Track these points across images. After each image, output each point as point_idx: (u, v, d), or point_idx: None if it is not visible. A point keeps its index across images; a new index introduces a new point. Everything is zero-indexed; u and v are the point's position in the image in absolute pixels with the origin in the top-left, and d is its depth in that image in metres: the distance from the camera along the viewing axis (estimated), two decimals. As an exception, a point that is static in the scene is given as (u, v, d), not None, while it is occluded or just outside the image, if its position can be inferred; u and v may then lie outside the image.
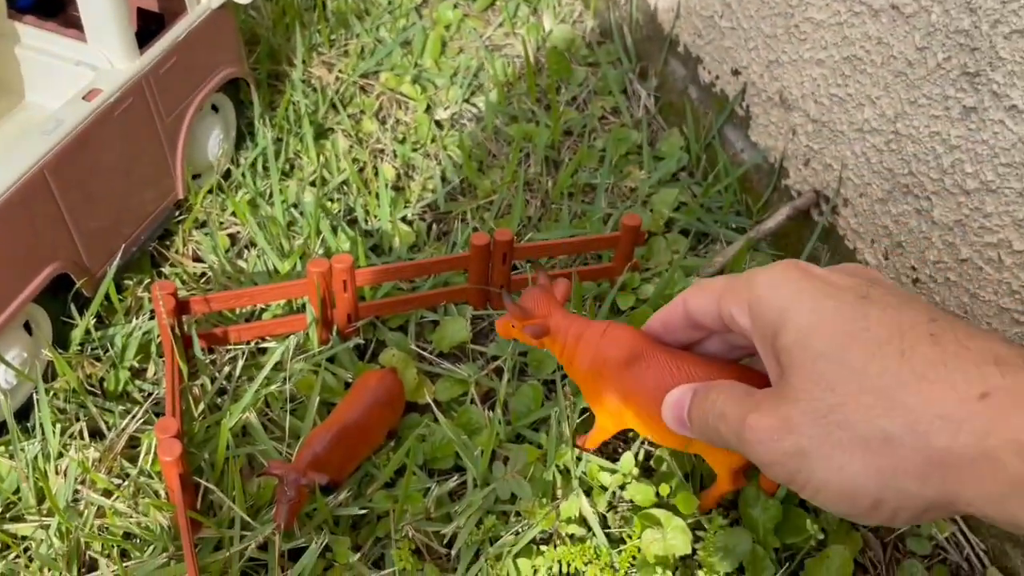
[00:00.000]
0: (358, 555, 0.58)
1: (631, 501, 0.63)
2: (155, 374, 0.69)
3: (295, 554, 0.59)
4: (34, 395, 0.63)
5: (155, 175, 0.73)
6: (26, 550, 0.57)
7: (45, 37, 0.69)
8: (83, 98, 0.64)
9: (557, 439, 0.64)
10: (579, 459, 0.64)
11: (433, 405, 0.67)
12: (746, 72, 0.83)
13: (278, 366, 0.70)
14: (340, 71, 0.98)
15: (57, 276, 0.64)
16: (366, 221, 0.84)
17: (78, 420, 0.64)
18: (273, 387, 0.66)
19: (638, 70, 1.02)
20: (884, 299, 0.36)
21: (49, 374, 0.67)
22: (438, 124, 0.96)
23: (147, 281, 0.74)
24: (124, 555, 0.58)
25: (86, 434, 0.62)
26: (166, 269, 0.76)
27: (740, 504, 0.62)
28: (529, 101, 0.98)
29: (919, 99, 0.63)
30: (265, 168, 0.86)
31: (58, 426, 0.61)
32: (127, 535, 0.59)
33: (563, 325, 0.61)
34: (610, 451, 0.66)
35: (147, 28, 0.74)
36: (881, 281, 0.39)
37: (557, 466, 0.64)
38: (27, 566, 0.57)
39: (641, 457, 0.65)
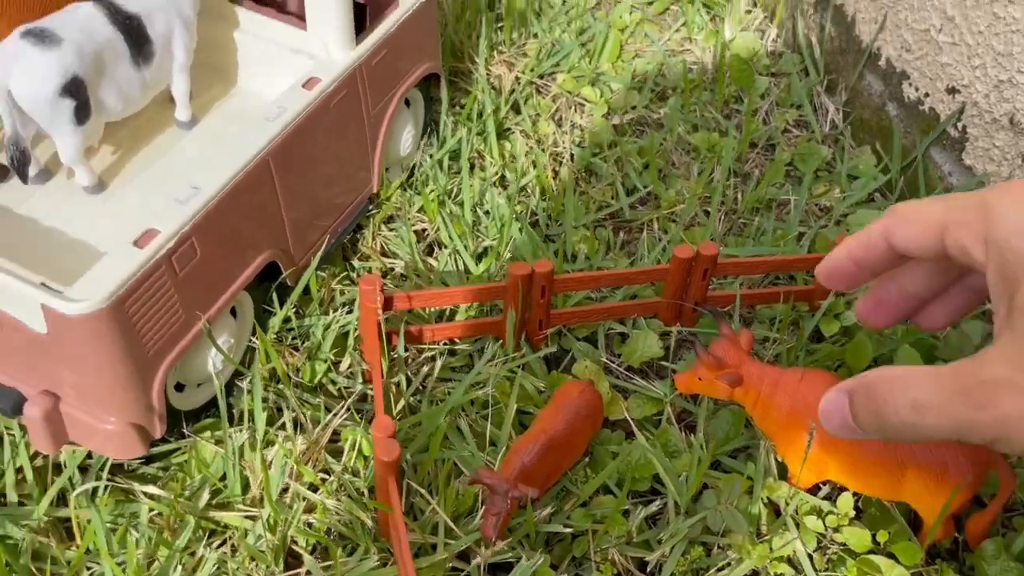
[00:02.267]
0: (553, 569, 0.56)
1: (844, 544, 0.59)
2: (350, 367, 0.68)
3: (494, 568, 0.57)
4: (242, 384, 0.63)
5: (356, 168, 0.72)
6: (230, 539, 0.57)
7: (261, 22, 0.69)
8: (303, 86, 0.64)
9: (765, 470, 0.61)
10: (790, 496, 0.60)
11: (632, 423, 0.64)
12: (966, 91, 0.78)
13: (468, 368, 0.68)
14: (520, 71, 0.97)
15: (267, 264, 0.63)
16: (547, 225, 0.82)
17: (279, 410, 0.63)
18: (476, 392, 0.64)
19: (825, 83, 0.97)
20: None
21: (246, 361, 0.67)
22: (616, 129, 0.93)
23: (341, 273, 0.74)
24: (325, 553, 0.57)
25: (289, 425, 0.62)
26: (356, 262, 0.76)
27: (976, 561, 0.57)
28: (714, 110, 0.94)
29: None
30: (451, 166, 0.84)
31: (265, 415, 0.61)
32: (328, 531, 0.58)
33: (756, 374, 0.58)
34: (827, 491, 0.62)
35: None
36: None
37: (763, 499, 0.61)
38: (232, 555, 0.56)
39: (857, 500, 0.61)
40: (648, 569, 0.58)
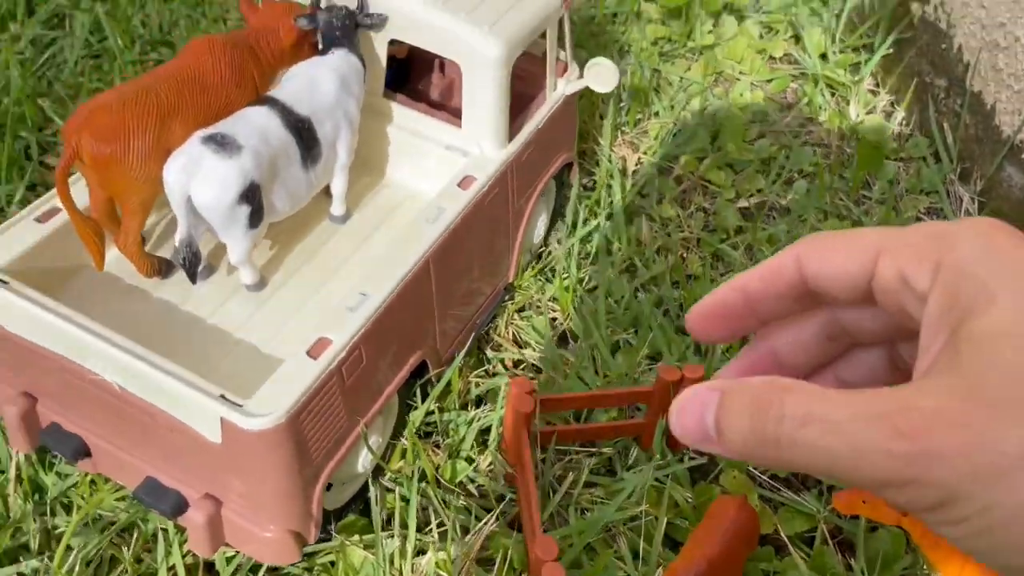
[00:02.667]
0: None
1: None
2: (490, 465, 0.67)
3: None
4: (399, 489, 0.62)
5: (498, 260, 0.72)
6: (381, 650, 0.56)
7: (414, 117, 0.69)
8: (458, 185, 0.64)
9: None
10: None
11: (786, 540, 0.62)
12: None
13: (610, 471, 0.67)
14: (643, 152, 0.96)
15: (419, 364, 0.63)
16: (678, 316, 0.80)
17: (423, 509, 0.62)
18: (628, 512, 0.62)
19: (959, 171, 0.95)
20: None
21: (386, 456, 0.66)
22: (743, 213, 0.91)
23: (476, 364, 0.73)
24: (477, 670, 0.55)
25: (435, 531, 0.61)
26: (489, 352, 0.75)
27: None
28: (845, 196, 0.92)
29: None
30: (579, 252, 0.83)
31: (414, 520, 0.60)
32: (478, 647, 0.56)
33: None
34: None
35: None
36: None
37: (931, 632, 0.57)
38: (385, 669, 0.55)
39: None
40: None
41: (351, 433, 0.56)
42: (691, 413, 0.29)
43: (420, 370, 0.65)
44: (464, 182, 0.64)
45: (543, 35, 0.68)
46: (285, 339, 0.59)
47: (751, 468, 0.68)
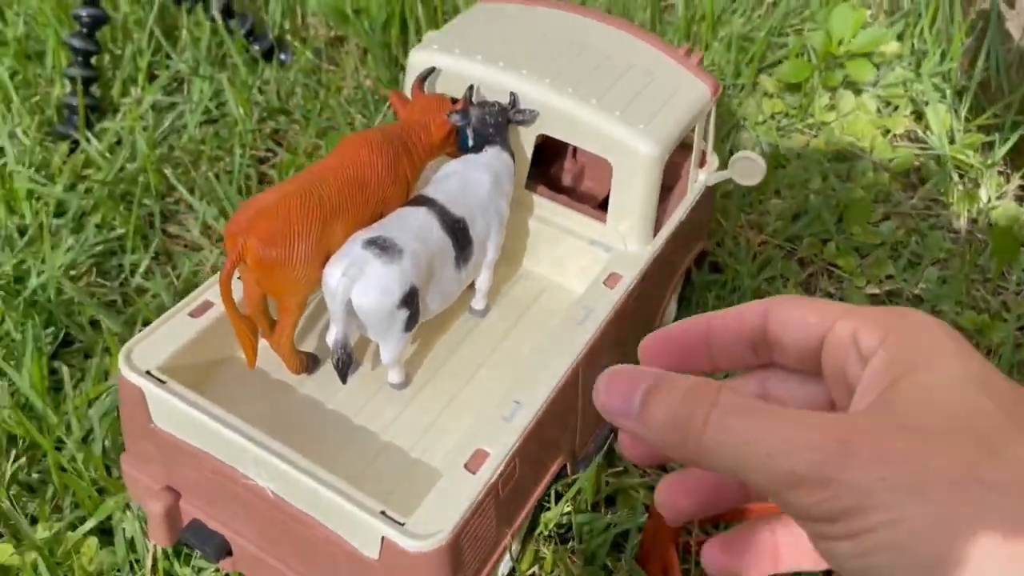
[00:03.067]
0: None
1: None
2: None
3: None
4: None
5: (634, 353, 0.70)
6: None
7: (555, 210, 0.68)
8: (604, 283, 0.62)
9: None
10: None
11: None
12: None
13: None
14: (767, 235, 0.93)
15: (561, 468, 0.61)
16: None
17: (562, 624, 0.60)
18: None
19: (1103, 263, 0.90)
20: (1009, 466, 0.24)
21: (519, 558, 0.64)
22: (873, 300, 0.88)
23: (609, 468, 0.70)
24: None
25: (578, 647, 0.58)
26: (617, 447, 0.72)
27: None
28: (982, 288, 0.88)
29: None
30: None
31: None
32: None
33: None
34: None
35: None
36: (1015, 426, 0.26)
37: None
38: None
39: None
40: None
41: (500, 545, 0.55)
42: (621, 385, 0.30)
43: (559, 472, 0.63)
44: (610, 280, 0.62)
45: (693, 130, 0.67)
46: (432, 442, 0.57)
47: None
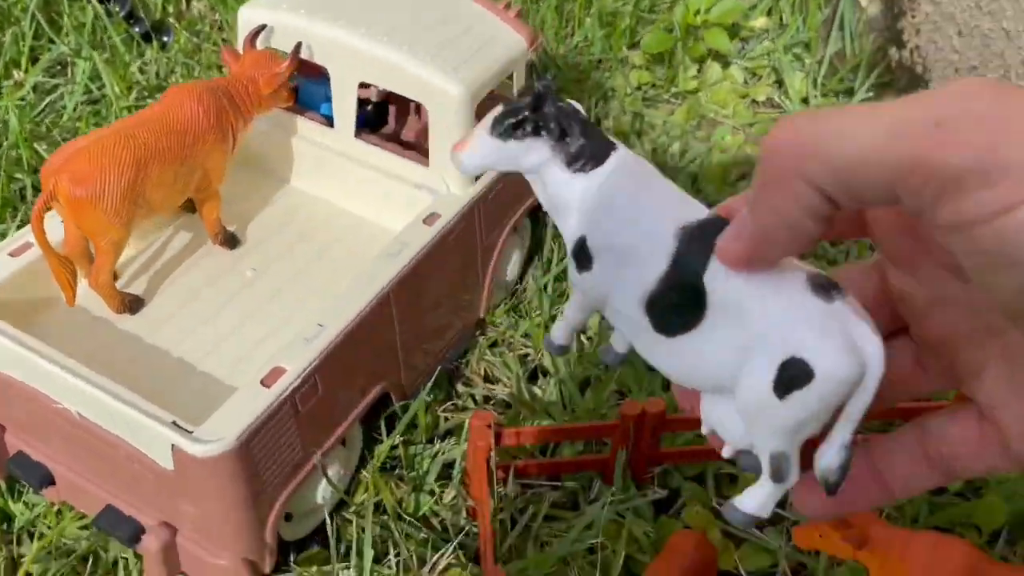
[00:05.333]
0: None
1: None
2: (454, 499, 0.67)
3: None
4: (351, 518, 0.62)
5: (466, 296, 0.73)
6: None
7: (385, 157, 0.71)
8: (424, 222, 0.65)
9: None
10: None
11: (742, 574, 0.62)
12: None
13: (573, 506, 0.67)
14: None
15: (381, 395, 0.64)
16: (652, 353, 0.81)
17: (383, 542, 0.63)
18: (588, 544, 0.62)
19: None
20: None
21: (351, 489, 0.66)
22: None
23: (445, 399, 0.74)
24: None
25: (394, 562, 0.61)
26: (460, 387, 0.76)
27: None
28: (827, 242, 0.93)
29: None
30: (555, 289, 0.85)
31: (371, 552, 0.60)
32: None
33: (884, 537, 0.56)
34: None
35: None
36: None
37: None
38: None
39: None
40: None
41: (307, 463, 0.57)
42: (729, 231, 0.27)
43: (385, 402, 0.66)
44: (429, 219, 0.66)
45: (510, 77, 0.70)
46: (246, 370, 0.60)
47: (713, 501, 0.67)
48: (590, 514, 0.65)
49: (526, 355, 0.80)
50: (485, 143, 0.31)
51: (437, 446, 0.69)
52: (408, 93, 0.66)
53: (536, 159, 0.30)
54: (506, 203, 0.74)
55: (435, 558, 0.61)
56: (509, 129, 0.30)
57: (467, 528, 0.65)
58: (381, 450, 0.68)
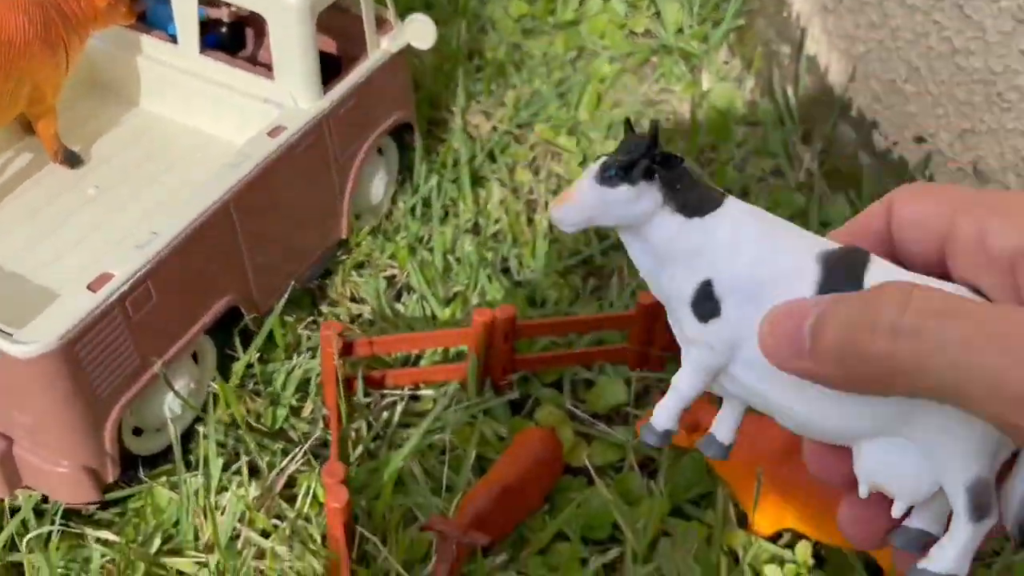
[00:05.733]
0: (513, 624, 0.55)
1: (805, 596, 0.58)
2: (312, 412, 0.68)
3: (447, 616, 0.56)
4: (201, 429, 0.63)
5: (323, 214, 0.73)
6: (182, 585, 0.57)
7: (230, 73, 0.71)
8: (268, 134, 0.65)
9: (724, 519, 0.60)
10: (748, 545, 0.59)
11: (591, 469, 0.64)
12: (932, 140, 0.79)
13: (430, 412, 0.68)
14: (498, 120, 0.98)
15: (228, 309, 0.64)
16: (519, 272, 0.82)
17: (237, 455, 0.63)
18: (435, 437, 0.64)
19: (801, 132, 0.98)
20: None
21: (209, 406, 0.67)
22: (592, 177, 0.94)
23: (308, 319, 0.74)
24: (276, 600, 0.56)
25: (245, 471, 0.62)
26: (325, 308, 0.76)
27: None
28: (688, 158, 0.95)
29: None
30: (424, 213, 0.85)
31: (220, 460, 0.61)
32: (280, 578, 0.57)
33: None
34: (787, 539, 0.61)
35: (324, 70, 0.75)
36: None
37: (723, 548, 0.60)
38: (182, 601, 0.56)
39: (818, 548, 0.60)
40: (603, 619, 0.57)
41: (146, 372, 0.57)
42: (784, 322, 0.25)
43: (238, 318, 0.66)
44: (274, 132, 0.65)
45: (357, -8, 0.70)
46: (65, 271, 0.60)
47: (568, 404, 0.70)
48: (444, 417, 0.66)
49: (393, 276, 0.80)
50: (590, 193, 0.28)
51: (294, 361, 0.69)
52: (248, 5, 0.66)
53: (648, 206, 0.28)
54: (361, 121, 0.74)
55: (284, 463, 0.62)
56: (620, 174, 0.27)
57: (323, 437, 0.66)
58: (239, 366, 0.68)
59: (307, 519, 0.60)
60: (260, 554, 0.58)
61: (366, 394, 0.69)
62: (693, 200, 0.28)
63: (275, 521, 0.60)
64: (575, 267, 0.83)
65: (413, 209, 0.85)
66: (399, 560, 0.56)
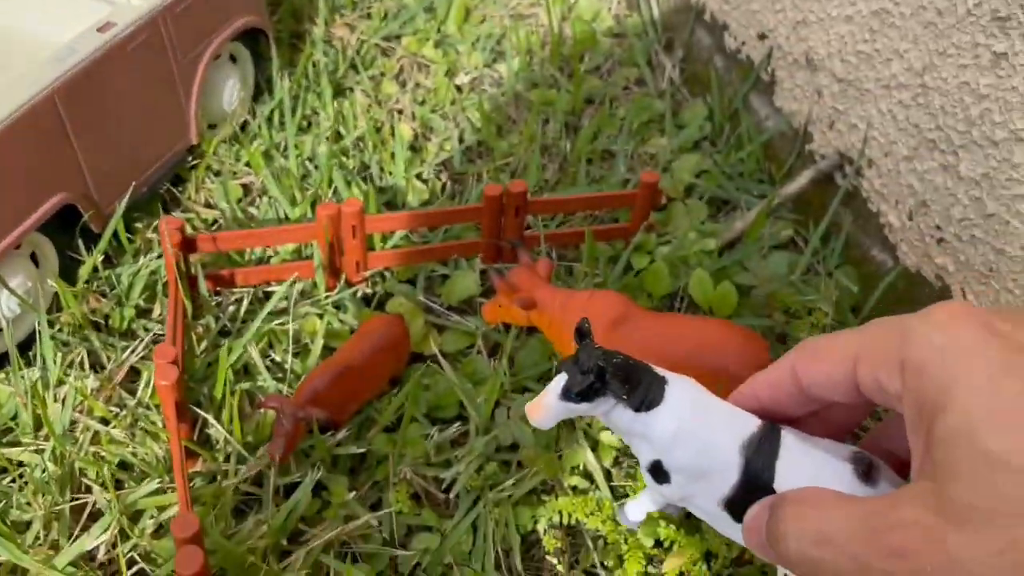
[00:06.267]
0: (353, 494, 0.57)
1: (633, 456, 0.62)
2: (160, 314, 0.68)
3: (291, 491, 0.58)
4: (36, 324, 0.62)
5: (169, 117, 0.73)
6: (22, 475, 0.57)
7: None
8: (97, 30, 0.64)
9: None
10: (585, 411, 0.62)
11: (439, 355, 0.66)
12: (772, 35, 0.81)
13: (284, 311, 0.69)
14: (362, 33, 0.98)
15: (64, 208, 0.63)
16: (380, 178, 0.83)
17: (80, 351, 0.63)
18: (275, 323, 0.65)
19: (664, 41, 1.01)
20: None
21: (54, 308, 0.66)
22: (458, 88, 0.95)
23: (157, 223, 0.74)
24: (119, 485, 0.57)
25: (87, 364, 0.62)
26: (178, 214, 0.76)
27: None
28: (552, 68, 0.97)
29: (948, 49, 0.61)
30: (281, 122, 0.85)
31: (59, 355, 0.61)
32: (123, 466, 0.58)
33: (548, 297, 0.61)
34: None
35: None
36: None
37: (562, 418, 0.62)
38: (21, 490, 0.56)
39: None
40: (445, 487, 0.59)
41: (-28, 265, 0.57)
42: (753, 535, 0.33)
43: (76, 219, 0.66)
44: (104, 27, 0.64)
45: None
46: None
47: (422, 297, 0.71)
48: (295, 312, 0.67)
49: (250, 184, 0.80)
50: (557, 408, 0.36)
51: (141, 262, 0.69)
52: None
53: (605, 408, 0.36)
54: (203, 22, 0.73)
55: (125, 355, 0.62)
56: (580, 396, 0.35)
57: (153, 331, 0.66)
58: (84, 269, 0.67)
59: (148, 407, 0.60)
60: (98, 440, 0.58)
61: (216, 293, 0.69)
62: (639, 399, 0.36)
63: (116, 409, 0.60)
64: (438, 173, 0.84)
65: (270, 118, 0.85)
66: (239, 440, 0.58)
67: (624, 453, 0.62)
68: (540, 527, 0.58)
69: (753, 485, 0.36)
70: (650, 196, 0.73)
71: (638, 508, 0.43)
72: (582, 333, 0.38)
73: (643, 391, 0.37)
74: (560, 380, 0.37)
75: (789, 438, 0.37)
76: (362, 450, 0.59)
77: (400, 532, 0.57)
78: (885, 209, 0.70)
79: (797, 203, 0.79)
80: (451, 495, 0.59)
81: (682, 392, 0.37)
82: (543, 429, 0.37)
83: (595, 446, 0.62)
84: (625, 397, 0.36)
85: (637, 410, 0.37)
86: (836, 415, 0.37)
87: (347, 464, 0.60)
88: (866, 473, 0.35)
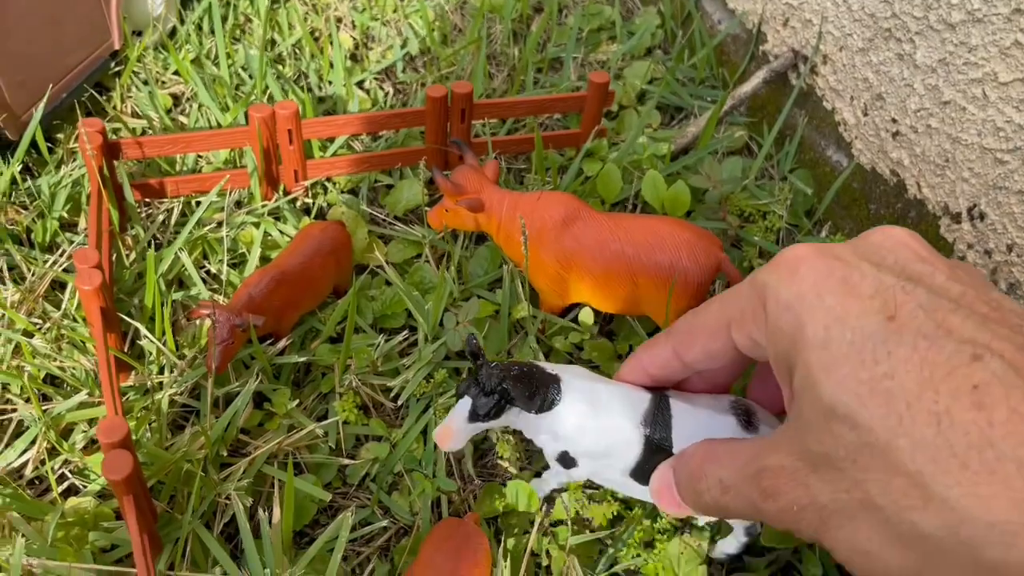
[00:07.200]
0: (296, 403, 0.55)
1: (590, 361, 0.60)
2: (87, 227, 0.64)
3: (231, 403, 0.55)
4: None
5: (86, 20, 0.68)
6: (-61, 394, 0.53)
7: None
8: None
9: (511, 294, 0.61)
10: (535, 317, 0.60)
11: (385, 264, 0.63)
12: (724, -68, 0.79)
13: (220, 224, 0.66)
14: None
15: (-26, 111, 0.59)
16: (320, 87, 0.79)
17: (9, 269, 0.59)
18: (207, 229, 0.62)
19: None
20: (914, 321, 0.27)
21: (-29, 224, 0.62)
22: (401, -4, 0.91)
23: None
24: (46, 399, 0.54)
25: (7, 277, 0.58)
26: (106, 124, 0.71)
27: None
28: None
29: (905, -69, 0.58)
30: (212, 28, 0.80)
31: (-25, 267, 0.57)
32: (53, 382, 0.55)
33: (496, 199, 0.59)
34: (572, 315, 0.63)
35: None
36: (921, 277, 0.29)
37: (513, 324, 0.61)
38: (-61, 409, 0.53)
39: (601, 318, 0.62)
40: (393, 396, 0.57)
41: None
42: (664, 495, 0.37)
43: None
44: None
45: None
46: None
47: (364, 206, 0.68)
48: (232, 221, 0.64)
49: (179, 93, 0.76)
50: (466, 431, 0.42)
51: (62, 172, 0.65)
52: None
53: (511, 416, 0.42)
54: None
55: (46, 268, 0.58)
56: (486, 416, 0.41)
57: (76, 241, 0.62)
58: (2, 179, 0.63)
59: (75, 320, 0.57)
60: (20, 353, 0.55)
61: (146, 204, 0.66)
62: (538, 403, 0.41)
63: (39, 322, 0.57)
64: (381, 82, 0.81)
65: (200, 24, 0.80)
66: (175, 353, 0.55)
67: (579, 358, 0.60)
68: (493, 434, 0.56)
69: (654, 453, 0.41)
70: (600, 98, 0.70)
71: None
72: (475, 354, 0.42)
73: (539, 397, 0.41)
74: (464, 405, 0.41)
75: (678, 404, 0.41)
76: (305, 359, 0.56)
77: (348, 444, 0.55)
78: (840, 106, 0.68)
79: (751, 107, 0.77)
80: (399, 403, 0.57)
81: (576, 386, 0.42)
82: (452, 452, 0.43)
83: (548, 352, 0.60)
84: (525, 402, 0.41)
85: (539, 412, 0.41)
86: (717, 373, 0.41)
87: (290, 375, 0.57)
88: (748, 421, 0.40)
